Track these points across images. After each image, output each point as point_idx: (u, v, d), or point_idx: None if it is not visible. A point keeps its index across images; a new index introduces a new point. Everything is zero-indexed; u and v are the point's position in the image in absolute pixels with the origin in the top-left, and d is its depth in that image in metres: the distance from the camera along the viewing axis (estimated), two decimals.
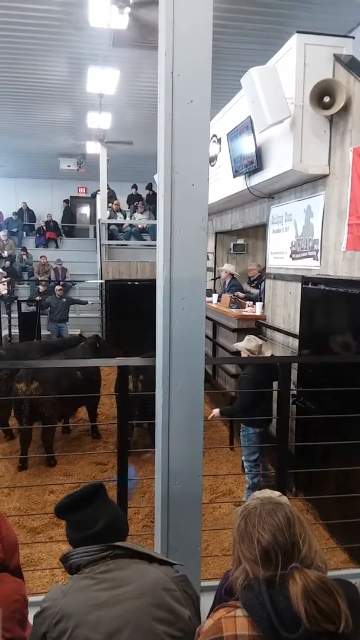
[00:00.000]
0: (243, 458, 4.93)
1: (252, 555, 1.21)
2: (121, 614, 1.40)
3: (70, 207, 17.70)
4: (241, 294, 7.68)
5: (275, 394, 4.96)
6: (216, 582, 1.92)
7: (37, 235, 16.09)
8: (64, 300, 11.03)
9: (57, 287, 11.25)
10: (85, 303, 11.49)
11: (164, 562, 1.56)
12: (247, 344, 4.80)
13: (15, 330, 11.55)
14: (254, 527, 1.25)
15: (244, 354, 4.83)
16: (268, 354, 4.87)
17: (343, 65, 4.44)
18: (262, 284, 7.24)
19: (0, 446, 6.20)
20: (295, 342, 5.37)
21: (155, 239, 3.05)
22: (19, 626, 1.62)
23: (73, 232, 17.70)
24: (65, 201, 17.72)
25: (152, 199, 14.69)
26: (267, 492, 1.79)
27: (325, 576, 1.16)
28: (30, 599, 1.82)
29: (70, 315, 11.25)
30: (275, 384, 4.83)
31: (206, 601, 1.77)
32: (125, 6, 6.00)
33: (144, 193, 15.43)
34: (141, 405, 5.57)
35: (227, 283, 8.06)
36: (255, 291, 7.76)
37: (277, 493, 1.79)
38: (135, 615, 1.40)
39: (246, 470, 4.90)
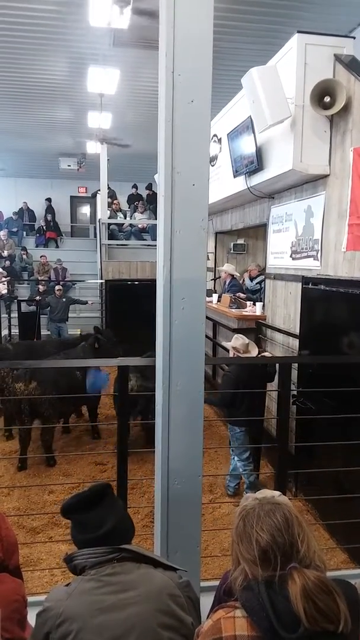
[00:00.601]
0: (236, 458, 4.97)
1: (250, 555, 1.21)
2: (127, 618, 1.39)
3: (52, 206, 16.99)
4: (242, 295, 7.68)
5: (266, 393, 5.02)
6: (216, 582, 1.92)
7: (37, 235, 16.08)
8: (64, 300, 11.03)
9: (57, 287, 11.24)
10: (85, 303, 11.49)
11: (169, 567, 1.55)
12: (233, 342, 4.95)
13: (15, 330, 11.54)
14: (252, 527, 1.24)
15: (231, 353, 4.98)
16: (254, 352, 4.97)
17: (343, 65, 4.44)
18: (262, 282, 7.26)
19: (0, 446, 6.20)
20: (295, 342, 5.37)
21: (155, 239, 3.05)
22: (19, 626, 1.62)
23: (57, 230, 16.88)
24: (47, 200, 16.99)
25: (152, 198, 14.69)
26: (267, 492, 1.79)
27: (324, 576, 1.16)
28: (30, 599, 1.81)
29: (70, 315, 11.25)
30: (267, 385, 4.96)
31: (206, 601, 1.77)
32: (125, 6, 6.00)
33: (144, 193, 15.42)
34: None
35: (227, 283, 8.07)
36: (255, 286, 7.78)
37: (277, 493, 1.78)
38: (141, 620, 1.39)
39: (241, 470, 4.92)
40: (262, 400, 5.28)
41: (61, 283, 12.27)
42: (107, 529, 1.54)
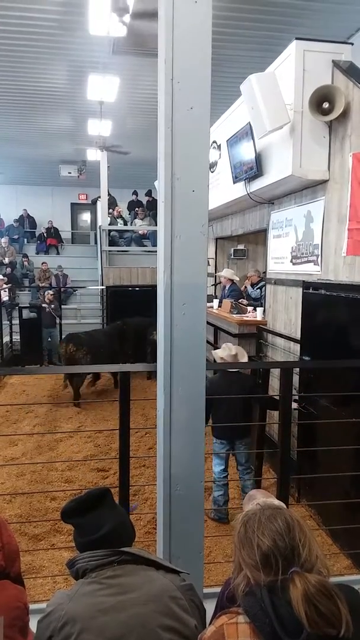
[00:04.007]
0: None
1: (252, 560, 1.21)
2: (127, 620, 1.39)
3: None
4: (245, 301, 7.68)
5: (247, 404, 4.76)
6: (219, 589, 1.91)
7: (38, 242, 16.13)
8: (52, 306, 11.10)
9: (49, 292, 11.29)
10: (59, 317, 11.49)
11: (171, 570, 1.55)
12: (221, 352, 4.81)
13: (16, 337, 11.55)
14: (253, 532, 1.24)
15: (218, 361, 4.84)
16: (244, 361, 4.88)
17: (342, 71, 4.47)
18: (263, 288, 7.26)
19: (1, 453, 6.20)
20: (296, 347, 5.37)
21: (155, 245, 3.06)
22: (20, 634, 1.61)
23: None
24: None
25: (152, 205, 14.73)
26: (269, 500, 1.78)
27: (325, 580, 1.15)
28: (32, 606, 1.80)
29: (71, 321, 11.31)
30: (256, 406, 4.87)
31: (209, 608, 1.76)
32: (124, 14, 6.04)
33: (144, 200, 15.47)
34: None
35: (226, 288, 8.07)
36: (257, 292, 7.77)
37: (277, 501, 1.78)
38: (141, 622, 1.39)
39: (215, 476, 4.75)
40: (248, 418, 4.81)
41: (62, 290, 12.29)
42: (106, 531, 1.55)
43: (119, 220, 13.85)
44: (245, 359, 4.87)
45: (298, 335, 5.29)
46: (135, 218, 14.31)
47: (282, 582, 1.15)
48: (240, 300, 7.58)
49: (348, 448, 3.89)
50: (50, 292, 11.44)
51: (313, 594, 1.10)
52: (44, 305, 11.22)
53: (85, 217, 19.09)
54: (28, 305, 11.80)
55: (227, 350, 4.78)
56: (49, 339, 11.10)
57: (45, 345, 11.09)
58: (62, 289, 13.06)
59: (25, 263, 14.50)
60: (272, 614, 1.11)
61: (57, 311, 11.45)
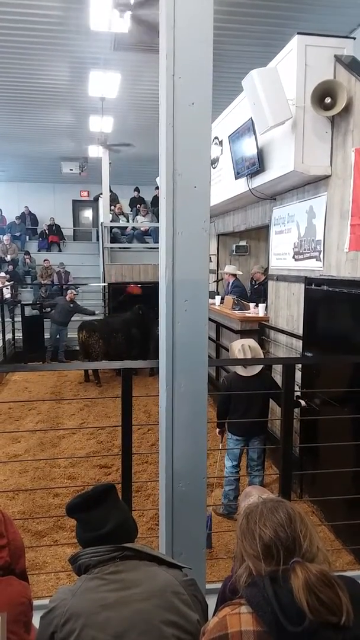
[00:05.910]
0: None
1: (254, 551, 1.22)
2: (129, 615, 1.40)
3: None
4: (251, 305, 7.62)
5: (265, 402, 4.73)
6: (221, 584, 1.92)
7: (40, 239, 16.14)
8: (72, 305, 10.97)
9: (72, 291, 11.03)
10: (93, 314, 11.36)
11: (173, 565, 1.56)
12: (238, 354, 4.69)
13: (18, 334, 11.56)
14: (255, 523, 1.26)
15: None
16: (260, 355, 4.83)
17: (344, 66, 4.45)
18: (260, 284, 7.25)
19: (4, 450, 6.22)
20: (298, 343, 5.37)
21: (157, 242, 3.06)
22: (24, 629, 1.62)
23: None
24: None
25: (157, 201, 14.62)
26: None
27: (326, 569, 1.16)
28: (35, 602, 1.82)
29: (73, 318, 11.26)
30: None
31: (211, 603, 1.77)
32: (126, 10, 6.02)
33: (151, 194, 15.24)
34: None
35: (229, 284, 8.06)
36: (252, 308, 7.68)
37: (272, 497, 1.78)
38: (144, 617, 1.40)
39: (225, 473, 4.80)
40: (266, 415, 4.82)
41: (64, 287, 12.25)
42: (110, 528, 1.56)
43: (121, 217, 13.82)
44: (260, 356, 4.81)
45: (300, 332, 5.28)
46: (137, 215, 14.28)
47: (284, 572, 1.17)
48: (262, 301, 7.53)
49: (350, 444, 3.89)
50: (73, 291, 11.20)
51: (314, 583, 1.11)
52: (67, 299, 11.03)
53: (87, 214, 19.09)
54: (44, 303, 11.77)
55: (242, 354, 4.64)
56: (57, 336, 10.97)
57: (54, 342, 10.96)
58: (64, 286, 13.05)
59: (27, 260, 14.51)
60: (275, 602, 1.12)
61: (80, 307, 11.36)
